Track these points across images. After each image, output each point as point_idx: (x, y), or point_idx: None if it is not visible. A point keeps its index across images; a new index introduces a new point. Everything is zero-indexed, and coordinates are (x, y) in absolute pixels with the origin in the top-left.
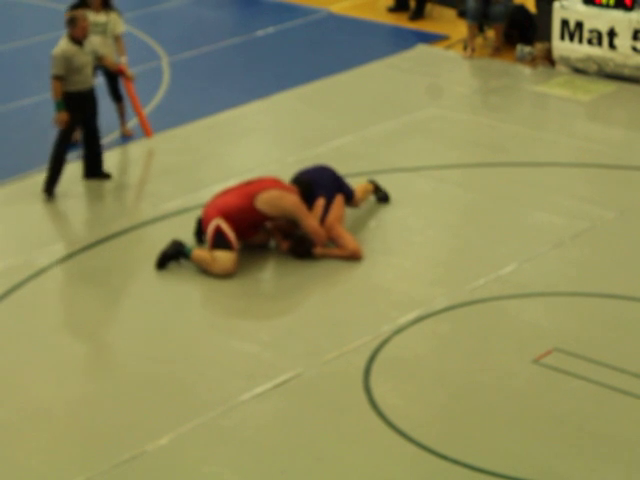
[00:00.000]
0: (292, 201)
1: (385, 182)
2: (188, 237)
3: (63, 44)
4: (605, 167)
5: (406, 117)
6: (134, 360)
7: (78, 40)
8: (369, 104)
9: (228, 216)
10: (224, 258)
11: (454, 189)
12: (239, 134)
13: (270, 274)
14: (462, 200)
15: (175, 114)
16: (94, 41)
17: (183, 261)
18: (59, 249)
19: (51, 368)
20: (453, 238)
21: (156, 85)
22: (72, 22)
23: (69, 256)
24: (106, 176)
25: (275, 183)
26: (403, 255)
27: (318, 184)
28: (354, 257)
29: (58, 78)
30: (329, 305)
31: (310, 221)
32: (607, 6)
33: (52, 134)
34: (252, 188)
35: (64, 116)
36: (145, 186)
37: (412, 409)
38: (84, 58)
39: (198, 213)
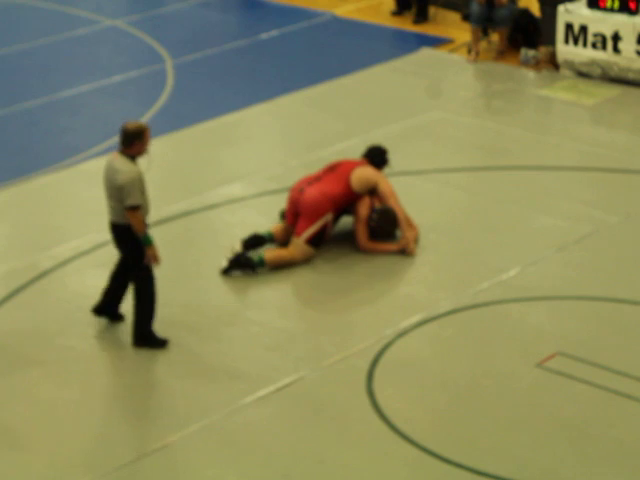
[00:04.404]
0: (371, 170)
1: None
2: (191, 238)
3: (129, 166)
4: (609, 171)
5: (410, 120)
6: (137, 362)
7: (134, 157)
8: (373, 107)
9: (337, 207)
10: (308, 253)
11: (458, 192)
12: (243, 137)
13: (271, 278)
14: (466, 203)
15: (179, 117)
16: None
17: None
18: (62, 252)
19: (54, 370)
20: (457, 241)
21: (160, 88)
22: (139, 135)
23: (73, 258)
24: (119, 317)
25: (354, 162)
26: (406, 258)
27: None
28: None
29: (138, 207)
30: (332, 308)
31: (384, 186)
32: (611, 10)
33: (54, 136)
34: (343, 171)
35: (156, 250)
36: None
37: (415, 412)
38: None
39: (202, 216)
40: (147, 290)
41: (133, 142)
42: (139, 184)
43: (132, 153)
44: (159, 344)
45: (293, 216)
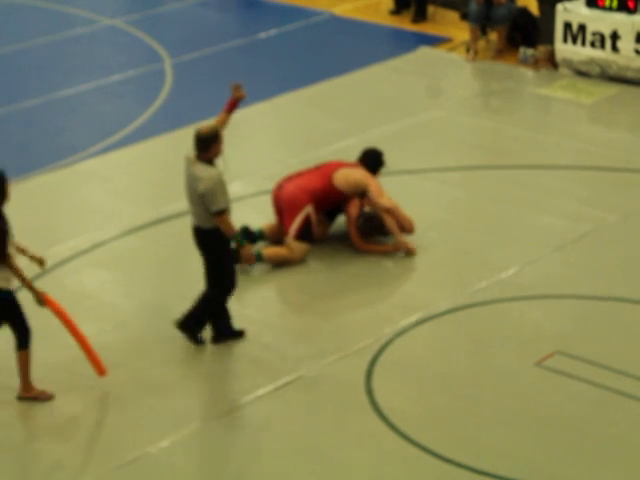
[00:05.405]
0: (361, 172)
1: (388, 184)
2: (190, 237)
3: (208, 171)
4: (607, 170)
5: (408, 119)
6: (135, 363)
7: (211, 160)
8: (372, 106)
9: (317, 200)
10: (302, 249)
11: (456, 191)
12: (242, 136)
13: (269, 277)
14: (464, 202)
15: (178, 116)
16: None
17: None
18: (61, 251)
19: (54, 369)
20: (455, 240)
21: (159, 87)
22: (214, 138)
23: (71, 257)
24: (239, 334)
25: (343, 163)
26: (405, 258)
27: None
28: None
29: (224, 211)
30: (330, 308)
31: (374, 187)
32: (610, 9)
33: (52, 135)
34: (326, 169)
35: (250, 250)
36: (146, 189)
37: (414, 411)
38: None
39: None
40: (218, 300)
41: (209, 146)
42: (221, 187)
43: (209, 157)
44: (196, 341)
45: (279, 214)
